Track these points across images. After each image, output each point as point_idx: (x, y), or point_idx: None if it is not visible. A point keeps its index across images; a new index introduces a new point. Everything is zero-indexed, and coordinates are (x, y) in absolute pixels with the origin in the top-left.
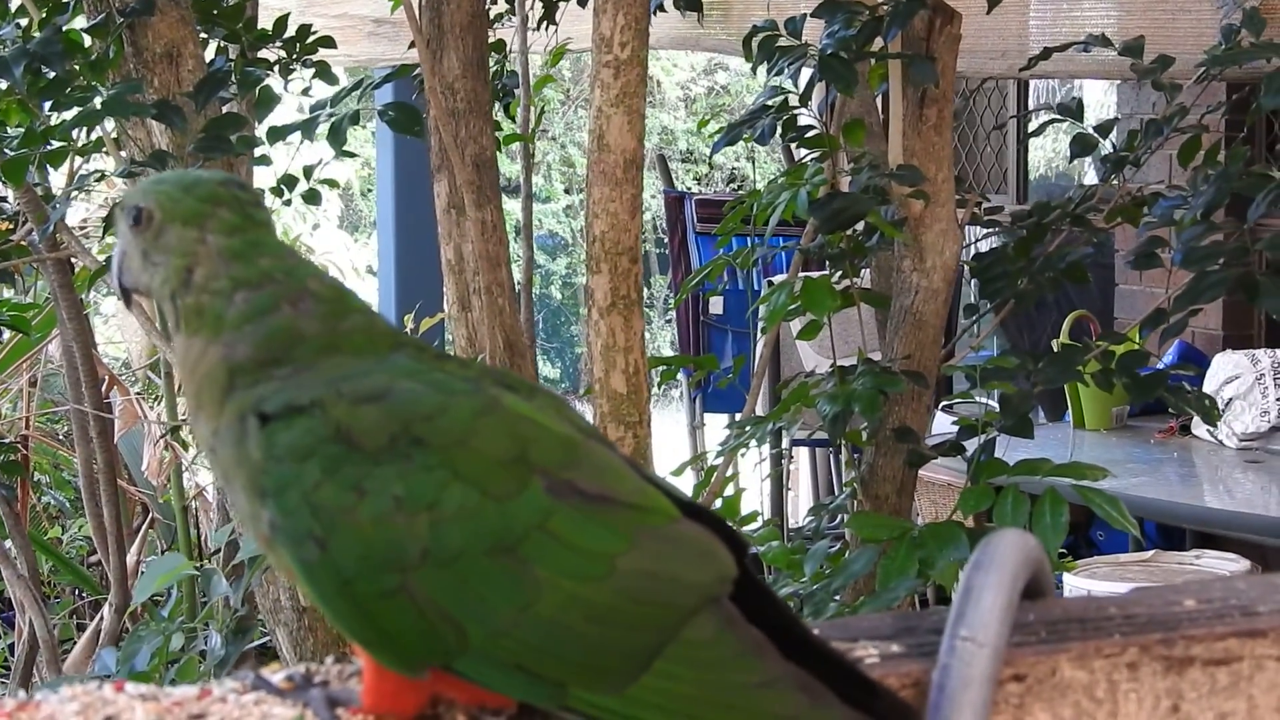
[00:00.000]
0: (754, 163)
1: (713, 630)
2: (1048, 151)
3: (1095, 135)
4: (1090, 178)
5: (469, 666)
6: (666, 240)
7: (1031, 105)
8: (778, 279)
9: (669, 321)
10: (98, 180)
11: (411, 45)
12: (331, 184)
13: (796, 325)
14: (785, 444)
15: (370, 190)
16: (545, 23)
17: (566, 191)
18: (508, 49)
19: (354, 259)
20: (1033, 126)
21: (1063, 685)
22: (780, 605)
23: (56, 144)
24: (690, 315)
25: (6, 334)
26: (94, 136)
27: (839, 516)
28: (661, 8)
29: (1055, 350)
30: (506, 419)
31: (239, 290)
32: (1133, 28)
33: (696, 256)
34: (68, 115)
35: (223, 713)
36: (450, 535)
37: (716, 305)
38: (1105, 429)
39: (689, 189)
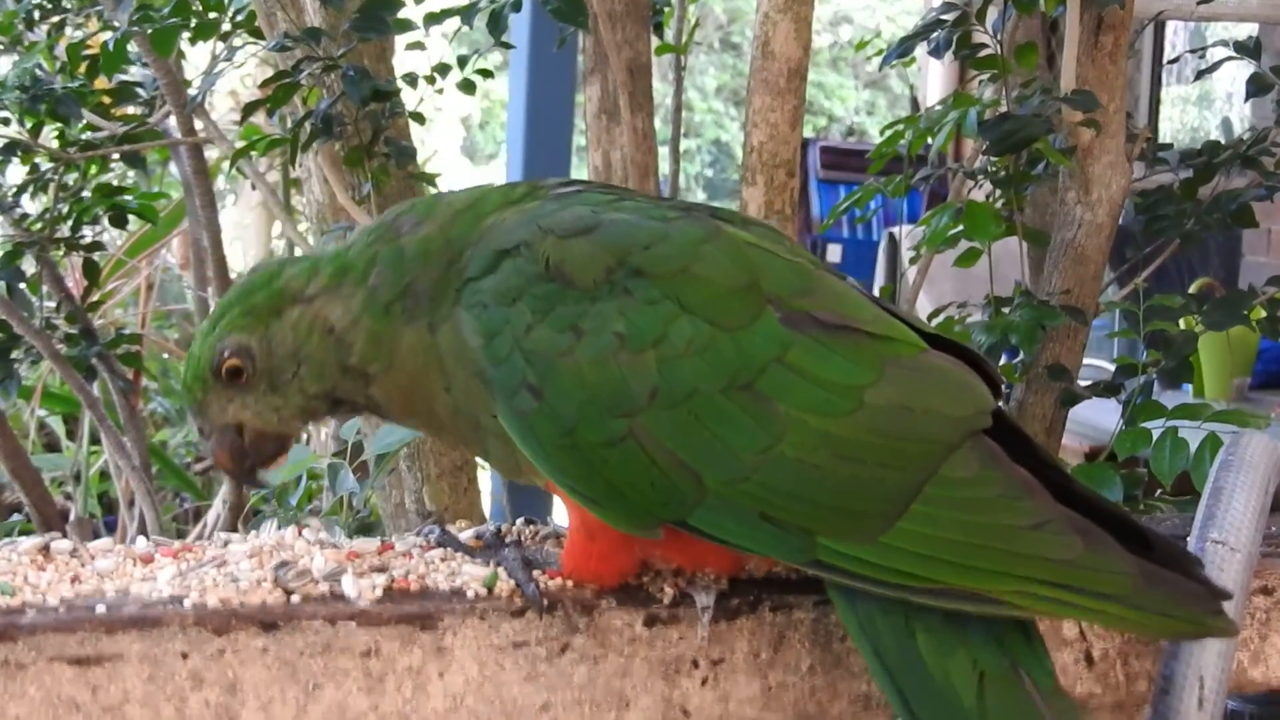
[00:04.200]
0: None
1: (975, 467)
2: (1171, 95)
3: (1272, 76)
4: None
5: (706, 520)
6: None
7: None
8: (897, 229)
9: None
10: (238, 66)
11: None
12: (485, 74)
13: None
14: None
15: (487, 124)
16: None
17: None
18: None
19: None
20: (1203, 65)
21: None
22: (1036, 445)
23: (206, 15)
24: None
25: (132, 225)
26: (244, 13)
27: None
28: None
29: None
30: (731, 245)
31: (370, 283)
32: None
33: (818, 203)
34: None
35: (406, 566)
36: (681, 372)
37: (834, 254)
38: (1224, 400)
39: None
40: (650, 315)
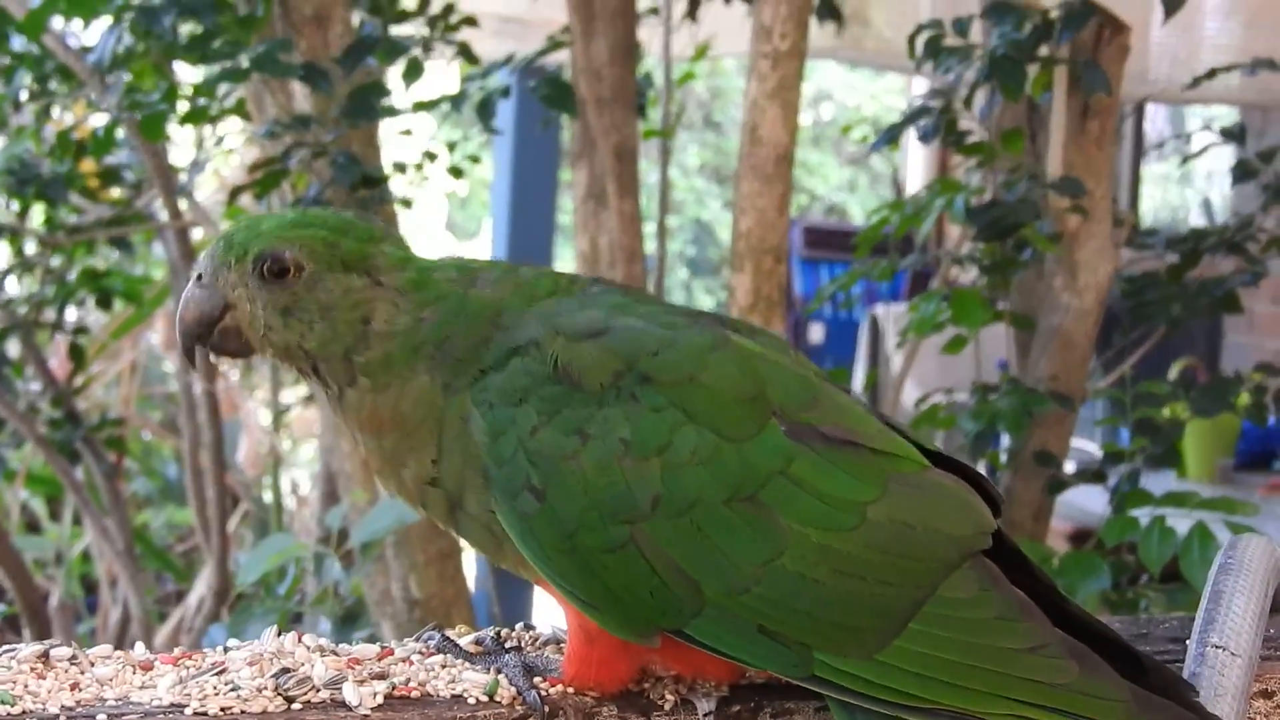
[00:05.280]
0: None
1: (974, 588)
2: (1152, 173)
3: (1257, 162)
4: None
5: (704, 630)
6: None
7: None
8: (879, 308)
9: None
10: (226, 153)
11: (554, 45)
12: (473, 159)
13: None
14: None
15: (468, 201)
16: (688, 19)
17: None
18: (644, 49)
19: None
20: (1190, 150)
21: None
22: (1034, 567)
23: (195, 100)
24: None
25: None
26: (234, 99)
27: None
28: None
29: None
30: (739, 355)
31: (423, 314)
32: (1256, 49)
33: (799, 282)
34: (211, 71)
35: (407, 673)
36: (684, 481)
37: (817, 333)
38: (1208, 480)
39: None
40: (656, 423)
